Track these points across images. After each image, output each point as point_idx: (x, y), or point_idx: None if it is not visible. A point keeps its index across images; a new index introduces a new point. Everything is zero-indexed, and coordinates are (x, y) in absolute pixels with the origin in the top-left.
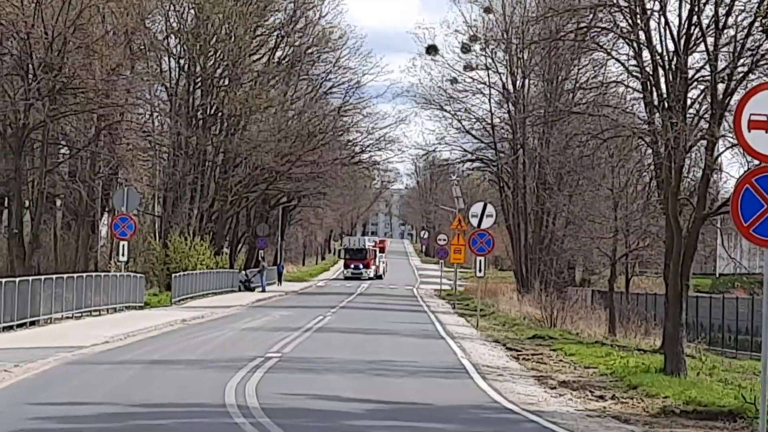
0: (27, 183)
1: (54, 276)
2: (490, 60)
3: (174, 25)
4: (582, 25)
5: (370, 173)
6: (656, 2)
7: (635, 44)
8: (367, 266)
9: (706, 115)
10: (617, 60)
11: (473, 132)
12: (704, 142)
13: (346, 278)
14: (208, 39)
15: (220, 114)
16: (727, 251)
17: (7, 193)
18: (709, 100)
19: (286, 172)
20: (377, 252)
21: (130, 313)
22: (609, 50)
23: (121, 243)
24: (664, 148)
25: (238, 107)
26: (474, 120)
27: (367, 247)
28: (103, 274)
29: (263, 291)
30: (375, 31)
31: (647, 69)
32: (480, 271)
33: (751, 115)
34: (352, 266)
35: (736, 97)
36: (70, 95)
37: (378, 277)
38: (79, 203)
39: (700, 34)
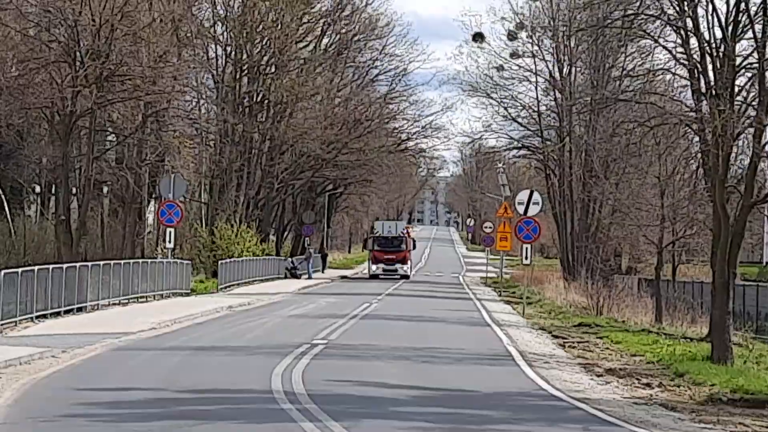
0: (74, 170)
1: (101, 262)
2: (536, 47)
3: (221, 12)
4: (629, 12)
5: (416, 161)
6: None
7: (682, 31)
8: (403, 261)
9: (754, 103)
10: (664, 47)
11: (519, 119)
12: (752, 129)
13: (372, 276)
14: (255, 26)
15: (266, 101)
16: None
17: (54, 179)
18: (757, 87)
19: (332, 160)
20: (414, 242)
21: (176, 300)
22: (656, 37)
23: (168, 230)
24: (711, 136)
25: (284, 94)
26: (520, 107)
27: (403, 235)
28: (149, 260)
29: (309, 278)
30: (421, 18)
31: (695, 56)
32: (526, 258)
33: None
34: (384, 261)
35: None
36: (117, 82)
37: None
38: (126, 190)
39: (748, 21)
